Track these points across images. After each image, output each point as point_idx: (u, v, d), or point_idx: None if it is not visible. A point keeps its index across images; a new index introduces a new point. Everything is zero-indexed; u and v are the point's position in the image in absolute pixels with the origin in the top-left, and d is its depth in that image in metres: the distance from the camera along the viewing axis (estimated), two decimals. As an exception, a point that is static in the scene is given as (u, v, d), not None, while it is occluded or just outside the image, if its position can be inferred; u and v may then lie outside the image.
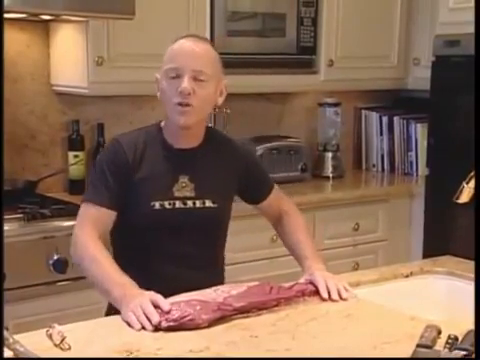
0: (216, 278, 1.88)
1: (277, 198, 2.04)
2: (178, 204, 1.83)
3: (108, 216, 1.80)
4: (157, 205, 1.81)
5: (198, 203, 1.84)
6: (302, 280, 1.81)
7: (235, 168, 1.93)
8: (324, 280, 1.77)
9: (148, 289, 1.63)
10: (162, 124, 1.89)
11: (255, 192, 2.00)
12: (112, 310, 1.70)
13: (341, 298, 1.75)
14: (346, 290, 1.77)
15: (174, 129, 1.84)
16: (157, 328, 1.52)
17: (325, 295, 1.74)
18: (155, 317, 1.52)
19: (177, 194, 1.83)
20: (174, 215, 1.82)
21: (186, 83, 1.76)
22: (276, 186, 2.05)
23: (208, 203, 1.86)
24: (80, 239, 1.78)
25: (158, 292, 1.61)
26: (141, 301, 1.56)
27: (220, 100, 1.88)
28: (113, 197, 1.80)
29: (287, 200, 2.06)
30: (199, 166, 1.87)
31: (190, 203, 1.84)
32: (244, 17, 3.12)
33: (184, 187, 1.84)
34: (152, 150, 1.84)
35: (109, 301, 1.72)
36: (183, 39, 1.83)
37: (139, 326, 1.52)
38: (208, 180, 1.87)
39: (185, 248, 1.84)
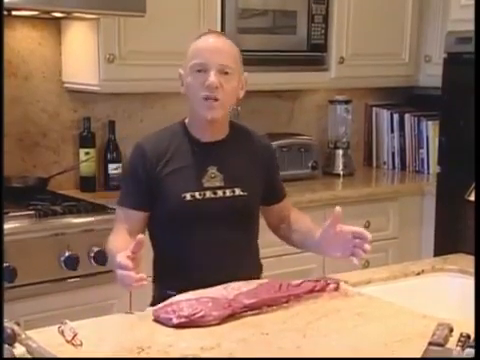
0: (251, 266, 1.93)
1: (288, 204, 2.06)
2: (209, 194, 1.87)
3: (137, 217, 1.88)
4: (188, 196, 1.85)
5: (228, 192, 1.88)
6: (318, 234, 1.87)
7: (261, 158, 1.97)
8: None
9: (187, 278, 1.78)
10: (186, 120, 1.93)
11: (273, 192, 2.02)
12: (156, 303, 1.71)
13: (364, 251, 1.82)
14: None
15: (200, 123, 1.88)
16: (168, 325, 1.52)
17: (368, 234, 1.81)
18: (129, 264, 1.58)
19: (207, 184, 1.87)
20: (205, 204, 1.86)
21: (213, 77, 1.80)
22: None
23: (238, 191, 1.89)
24: (109, 239, 1.85)
25: (197, 281, 1.70)
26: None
27: (241, 93, 1.93)
28: (141, 198, 1.87)
29: (295, 209, 2.09)
30: (226, 157, 1.91)
31: (220, 192, 1.88)
32: (255, 14, 3.11)
33: (213, 178, 1.88)
34: (178, 146, 1.89)
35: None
36: (205, 35, 1.89)
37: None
38: (236, 170, 1.91)
39: (219, 236, 1.87)
